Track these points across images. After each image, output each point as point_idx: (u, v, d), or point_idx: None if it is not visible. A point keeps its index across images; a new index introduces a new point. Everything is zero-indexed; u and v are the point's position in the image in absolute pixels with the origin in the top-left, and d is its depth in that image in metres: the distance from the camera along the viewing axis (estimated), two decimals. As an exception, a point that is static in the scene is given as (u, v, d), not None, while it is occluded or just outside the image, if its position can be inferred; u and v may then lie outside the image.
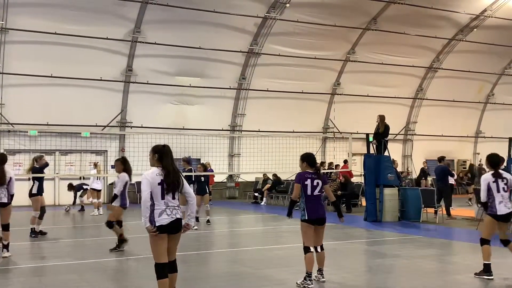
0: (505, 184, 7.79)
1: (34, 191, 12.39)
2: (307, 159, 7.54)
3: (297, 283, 7.20)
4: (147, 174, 5.88)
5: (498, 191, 7.72)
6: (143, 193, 5.80)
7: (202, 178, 14.44)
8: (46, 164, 13.15)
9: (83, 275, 8.14)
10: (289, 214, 7.48)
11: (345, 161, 22.25)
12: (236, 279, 7.88)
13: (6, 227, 9.58)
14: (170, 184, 5.83)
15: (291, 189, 21.68)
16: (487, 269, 7.71)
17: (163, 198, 5.83)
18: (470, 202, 19.80)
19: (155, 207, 5.81)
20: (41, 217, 12.48)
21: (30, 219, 12.41)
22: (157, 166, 5.93)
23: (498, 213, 7.68)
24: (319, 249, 7.40)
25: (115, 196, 10.50)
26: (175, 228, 5.89)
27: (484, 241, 7.78)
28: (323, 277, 7.42)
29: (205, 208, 14.61)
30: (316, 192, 7.36)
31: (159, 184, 5.83)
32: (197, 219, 14.24)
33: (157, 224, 5.78)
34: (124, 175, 10.60)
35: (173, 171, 5.90)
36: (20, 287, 7.47)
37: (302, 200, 7.37)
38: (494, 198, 7.71)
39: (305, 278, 7.11)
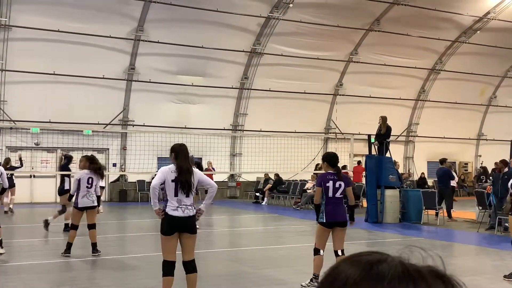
0: None
1: (67, 187, 12.53)
2: (327, 158, 7.24)
3: (301, 285, 7.04)
4: (163, 168, 6.09)
5: None
6: (154, 180, 5.99)
7: None
8: (69, 160, 13.38)
9: (84, 273, 8.15)
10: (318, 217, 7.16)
11: (359, 162, 22.27)
12: (236, 278, 7.88)
13: None
14: (182, 182, 5.92)
15: (292, 189, 21.70)
16: None
17: (176, 195, 5.92)
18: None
19: (168, 203, 5.93)
20: (62, 212, 12.68)
21: (64, 215, 12.54)
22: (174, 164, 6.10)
23: None
24: (340, 253, 7.08)
25: (70, 197, 9.91)
26: (187, 225, 5.93)
27: None
28: None
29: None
30: (337, 195, 7.08)
31: (173, 181, 5.93)
32: None
33: (170, 214, 5.88)
34: (79, 173, 9.83)
35: (185, 170, 5.96)
36: (21, 284, 7.48)
37: (322, 202, 7.10)
38: None
39: (311, 280, 6.96)
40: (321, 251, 6.99)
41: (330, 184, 7.05)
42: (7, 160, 17.24)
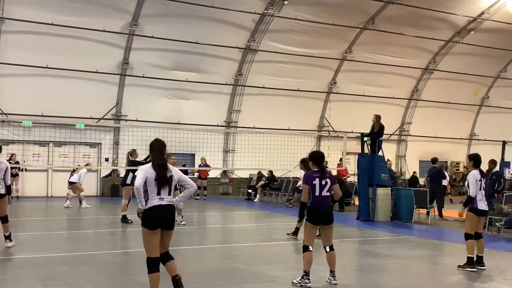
0: (484, 183, 8.52)
1: (128, 181, 13.72)
2: (312, 157, 7.35)
3: (293, 282, 7.06)
4: (144, 167, 6.09)
5: (480, 189, 8.40)
6: (137, 181, 5.96)
7: None
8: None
9: (75, 267, 8.13)
10: (301, 217, 7.40)
11: (341, 160, 22.29)
12: (228, 275, 7.89)
13: (5, 219, 9.52)
14: (161, 178, 5.94)
15: (284, 186, 21.71)
16: (470, 262, 8.23)
17: (158, 193, 5.96)
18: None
19: (149, 200, 5.94)
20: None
21: (121, 207, 13.69)
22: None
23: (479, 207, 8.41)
24: (328, 249, 7.22)
25: None
26: (168, 216, 5.97)
27: (468, 236, 8.39)
28: (335, 279, 7.18)
29: (179, 206, 13.15)
30: (324, 193, 7.18)
31: (155, 179, 5.94)
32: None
33: (151, 205, 5.90)
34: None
35: (161, 166, 5.98)
36: (11, 278, 7.46)
37: (309, 200, 7.19)
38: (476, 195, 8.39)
39: (302, 277, 6.98)
40: (310, 247, 7.07)
41: (317, 181, 7.16)
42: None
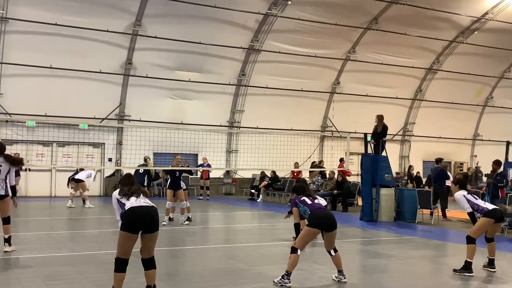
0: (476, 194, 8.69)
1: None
2: (294, 190, 7.95)
3: (274, 281, 7.11)
4: (115, 195, 6.26)
5: (476, 198, 8.29)
6: (116, 215, 6.27)
7: (177, 173, 13.63)
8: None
9: (78, 267, 8.14)
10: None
11: (341, 160, 22.25)
12: (231, 275, 7.88)
13: (6, 221, 9.15)
14: (125, 194, 6.11)
15: (287, 187, 21.70)
16: (467, 267, 7.98)
17: (128, 199, 6.08)
18: None
19: (125, 205, 6.03)
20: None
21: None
22: None
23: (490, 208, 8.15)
24: (333, 252, 7.33)
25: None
26: (152, 218, 5.91)
27: (471, 240, 8.06)
28: (344, 278, 7.31)
29: (181, 205, 13.50)
30: (316, 201, 7.50)
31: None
32: (188, 218, 13.68)
33: (131, 206, 5.90)
34: None
35: (132, 192, 6.14)
36: (13, 278, 7.47)
37: (307, 212, 7.45)
38: (478, 204, 8.20)
39: (283, 277, 7.00)
40: (299, 251, 7.11)
41: (304, 197, 7.60)
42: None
